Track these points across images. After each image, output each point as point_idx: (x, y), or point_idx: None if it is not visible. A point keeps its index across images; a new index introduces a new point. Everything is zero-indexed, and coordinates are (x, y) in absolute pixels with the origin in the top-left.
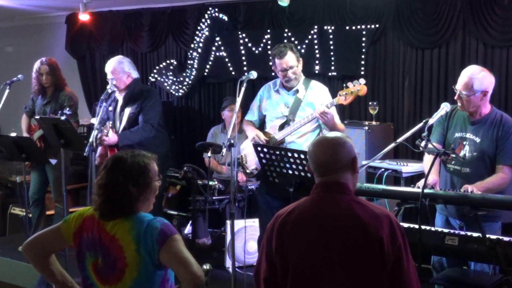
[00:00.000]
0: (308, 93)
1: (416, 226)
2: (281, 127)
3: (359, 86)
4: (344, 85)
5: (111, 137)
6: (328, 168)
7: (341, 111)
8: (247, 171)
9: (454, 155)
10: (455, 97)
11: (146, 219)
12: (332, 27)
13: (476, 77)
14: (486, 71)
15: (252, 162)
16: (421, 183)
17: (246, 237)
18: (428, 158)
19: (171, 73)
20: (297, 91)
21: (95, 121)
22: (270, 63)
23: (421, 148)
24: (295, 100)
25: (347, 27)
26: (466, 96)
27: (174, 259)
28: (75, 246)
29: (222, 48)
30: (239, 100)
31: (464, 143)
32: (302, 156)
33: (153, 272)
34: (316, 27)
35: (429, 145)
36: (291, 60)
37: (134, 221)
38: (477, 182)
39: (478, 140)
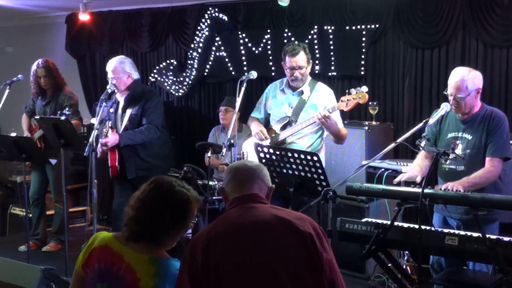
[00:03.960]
0: (313, 95)
1: (416, 226)
2: (283, 127)
3: (360, 94)
4: (347, 91)
5: (111, 137)
6: (248, 183)
7: (341, 111)
8: None
9: (454, 155)
10: (450, 102)
11: (173, 273)
12: (332, 27)
13: (468, 78)
14: (474, 70)
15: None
16: (397, 179)
17: None
18: (420, 157)
19: (171, 73)
20: (302, 92)
21: (95, 121)
22: (270, 63)
23: (421, 148)
24: (299, 101)
25: (347, 27)
26: (462, 98)
27: None
28: (85, 277)
29: (222, 48)
30: (239, 100)
31: (458, 142)
32: (302, 156)
33: None
34: (316, 27)
35: (428, 145)
36: (301, 60)
37: (160, 268)
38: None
39: (470, 137)
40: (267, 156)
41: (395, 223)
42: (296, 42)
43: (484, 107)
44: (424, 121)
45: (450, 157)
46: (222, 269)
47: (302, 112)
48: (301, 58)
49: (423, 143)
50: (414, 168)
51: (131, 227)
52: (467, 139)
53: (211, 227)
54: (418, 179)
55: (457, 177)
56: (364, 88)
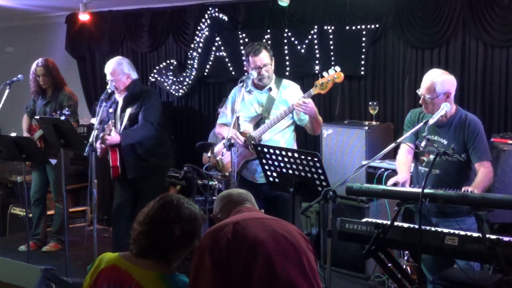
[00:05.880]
0: (281, 91)
1: (416, 226)
2: (257, 125)
3: (335, 74)
4: (320, 75)
5: (114, 136)
6: (244, 202)
7: (341, 111)
8: (226, 173)
9: (456, 156)
10: (420, 101)
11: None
12: (332, 27)
13: (437, 81)
14: (446, 74)
15: (229, 164)
16: (391, 181)
17: None
18: (401, 155)
19: (171, 73)
20: (270, 89)
21: (95, 121)
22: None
23: (421, 148)
24: (269, 98)
25: (347, 27)
26: (430, 99)
27: None
28: None
29: (222, 48)
30: (239, 100)
31: (434, 145)
32: (303, 156)
33: None
34: (316, 27)
35: (427, 145)
36: (265, 58)
37: (171, 284)
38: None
39: (445, 142)
40: (267, 155)
41: (395, 223)
42: (255, 42)
43: (459, 111)
44: (424, 121)
45: (450, 157)
46: (259, 249)
47: (273, 108)
48: (264, 56)
49: (423, 143)
50: (402, 169)
51: (141, 242)
52: (442, 143)
53: (232, 219)
54: (407, 184)
55: (432, 180)
56: (337, 68)
